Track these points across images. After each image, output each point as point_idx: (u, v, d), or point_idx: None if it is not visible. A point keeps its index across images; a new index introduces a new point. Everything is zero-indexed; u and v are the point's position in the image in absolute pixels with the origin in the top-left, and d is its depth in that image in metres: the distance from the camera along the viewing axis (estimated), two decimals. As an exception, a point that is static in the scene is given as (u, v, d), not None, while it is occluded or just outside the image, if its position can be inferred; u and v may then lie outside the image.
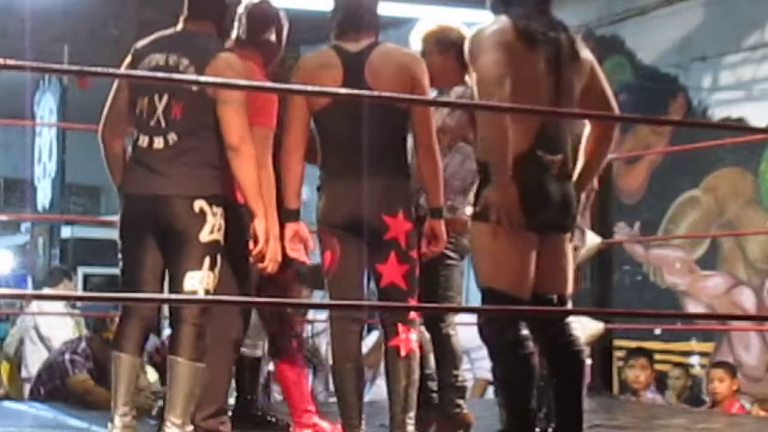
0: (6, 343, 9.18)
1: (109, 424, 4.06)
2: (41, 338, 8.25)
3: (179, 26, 4.24)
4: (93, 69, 3.66)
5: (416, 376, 4.12)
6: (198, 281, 4.02)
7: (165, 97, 4.07)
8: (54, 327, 8.16)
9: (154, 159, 4.08)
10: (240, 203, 4.14)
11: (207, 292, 4.03)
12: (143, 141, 4.09)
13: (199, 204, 4.02)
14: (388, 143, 4.09)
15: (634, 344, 8.12)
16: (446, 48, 4.52)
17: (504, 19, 3.80)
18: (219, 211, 4.06)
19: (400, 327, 4.08)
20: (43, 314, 8.21)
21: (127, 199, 4.14)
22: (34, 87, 11.71)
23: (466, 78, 4.40)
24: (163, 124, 4.07)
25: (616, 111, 4.02)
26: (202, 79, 4.04)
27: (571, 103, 3.86)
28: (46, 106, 11.50)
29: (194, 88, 4.04)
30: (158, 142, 4.07)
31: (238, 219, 4.13)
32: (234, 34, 4.46)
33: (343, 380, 4.14)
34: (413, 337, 4.11)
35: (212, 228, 4.04)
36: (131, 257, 4.13)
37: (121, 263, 4.18)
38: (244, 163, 4.02)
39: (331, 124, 4.14)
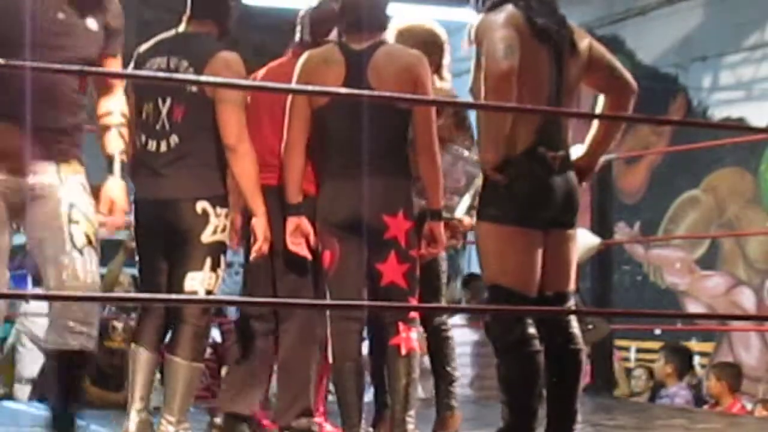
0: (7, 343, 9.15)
1: (126, 419, 4.08)
2: (33, 339, 8.24)
3: (181, 27, 4.24)
4: (93, 69, 3.66)
5: (416, 374, 4.12)
6: (198, 282, 4.03)
7: (168, 101, 4.09)
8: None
9: (157, 162, 4.11)
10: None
11: (208, 292, 4.04)
12: (150, 145, 4.13)
13: (201, 205, 4.04)
14: (389, 142, 4.09)
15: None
16: (414, 46, 4.41)
17: (510, 8, 3.77)
18: (223, 212, 4.08)
19: (401, 326, 4.08)
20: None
21: (135, 205, 4.19)
22: (34, 87, 11.68)
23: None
24: (166, 127, 4.09)
25: (630, 79, 3.99)
26: (203, 78, 4.04)
27: (572, 100, 3.86)
28: (46, 106, 11.47)
29: (194, 89, 4.05)
30: (162, 146, 4.10)
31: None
32: (297, 37, 4.47)
33: (342, 379, 4.14)
34: (413, 336, 4.11)
35: (215, 229, 4.06)
36: (145, 261, 4.21)
37: (138, 266, 4.25)
38: (242, 162, 4.05)
39: (331, 122, 4.13)
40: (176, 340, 4.07)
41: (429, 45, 4.41)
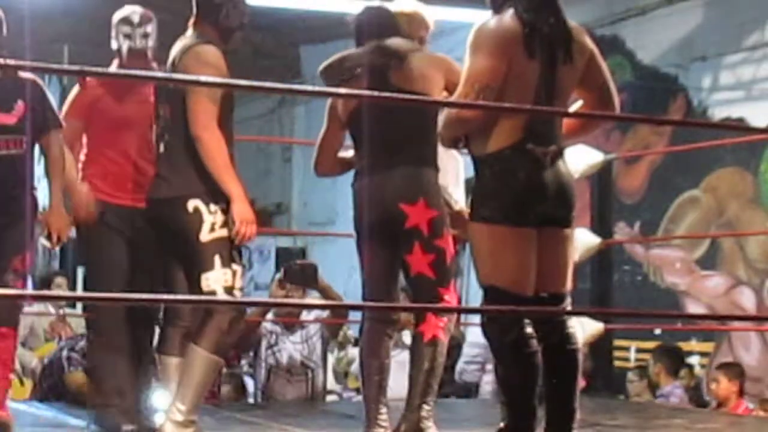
0: None
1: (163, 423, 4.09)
2: None
3: (188, 31, 4.25)
4: (93, 69, 3.67)
5: (438, 363, 4.11)
6: (213, 281, 3.98)
7: (163, 103, 4.13)
8: None
9: (158, 163, 4.14)
10: None
11: (230, 289, 3.98)
12: (159, 147, 4.17)
13: (193, 204, 4.01)
14: (408, 136, 4.13)
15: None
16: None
17: (508, 17, 3.74)
18: (218, 208, 4.02)
19: (429, 314, 4.09)
20: (43, 314, 8.20)
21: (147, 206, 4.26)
22: (34, 87, 11.69)
23: None
24: (162, 127, 4.13)
25: (616, 104, 3.96)
26: (203, 78, 4.04)
27: (563, 102, 3.84)
28: (46, 106, 11.49)
29: (173, 87, 4.08)
30: (160, 147, 4.13)
31: None
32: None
33: (364, 376, 4.18)
34: (441, 324, 4.10)
35: (212, 226, 4.00)
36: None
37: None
38: (206, 149, 3.99)
39: (356, 125, 4.22)
40: (202, 330, 3.97)
41: None
